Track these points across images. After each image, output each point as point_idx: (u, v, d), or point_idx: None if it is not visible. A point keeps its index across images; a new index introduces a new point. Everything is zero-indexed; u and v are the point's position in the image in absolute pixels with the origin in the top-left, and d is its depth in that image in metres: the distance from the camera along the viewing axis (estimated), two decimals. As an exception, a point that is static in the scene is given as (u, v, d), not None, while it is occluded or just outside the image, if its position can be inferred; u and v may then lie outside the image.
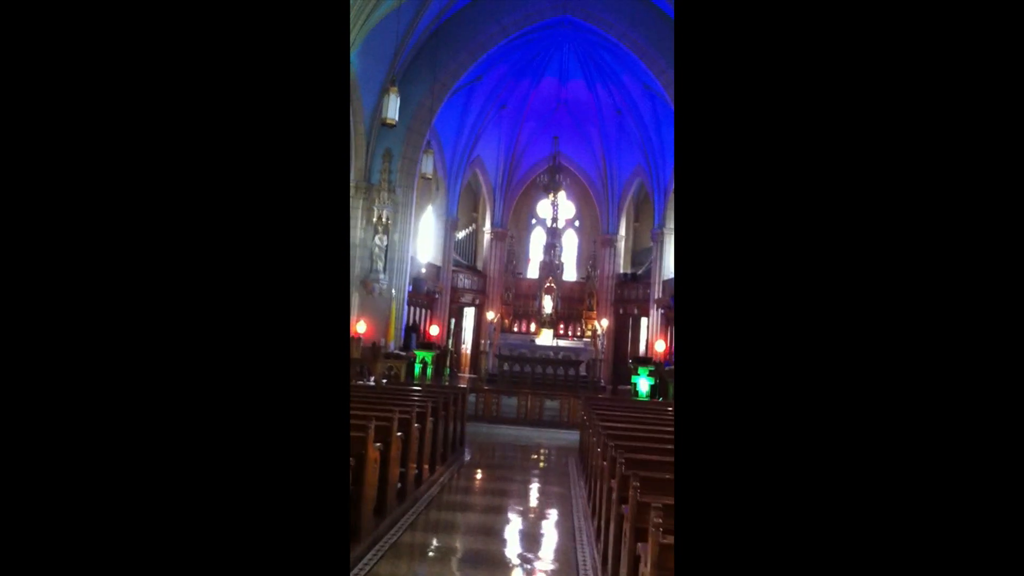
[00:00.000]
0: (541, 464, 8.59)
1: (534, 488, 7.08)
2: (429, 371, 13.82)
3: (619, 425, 5.66)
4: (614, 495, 3.75)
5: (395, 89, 11.03)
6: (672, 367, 14.69)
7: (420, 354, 13.78)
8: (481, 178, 19.98)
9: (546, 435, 10.50)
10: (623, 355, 19.61)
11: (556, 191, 18.14)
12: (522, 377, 14.77)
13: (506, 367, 15.30)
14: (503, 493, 6.69)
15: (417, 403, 6.55)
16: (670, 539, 2.49)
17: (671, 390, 12.09)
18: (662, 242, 18.42)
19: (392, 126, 11.90)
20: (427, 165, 14.31)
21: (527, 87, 17.85)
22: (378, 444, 4.81)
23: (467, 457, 8.40)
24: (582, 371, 15.47)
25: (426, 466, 6.47)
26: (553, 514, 5.83)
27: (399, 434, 5.37)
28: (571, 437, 10.06)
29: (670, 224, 18.36)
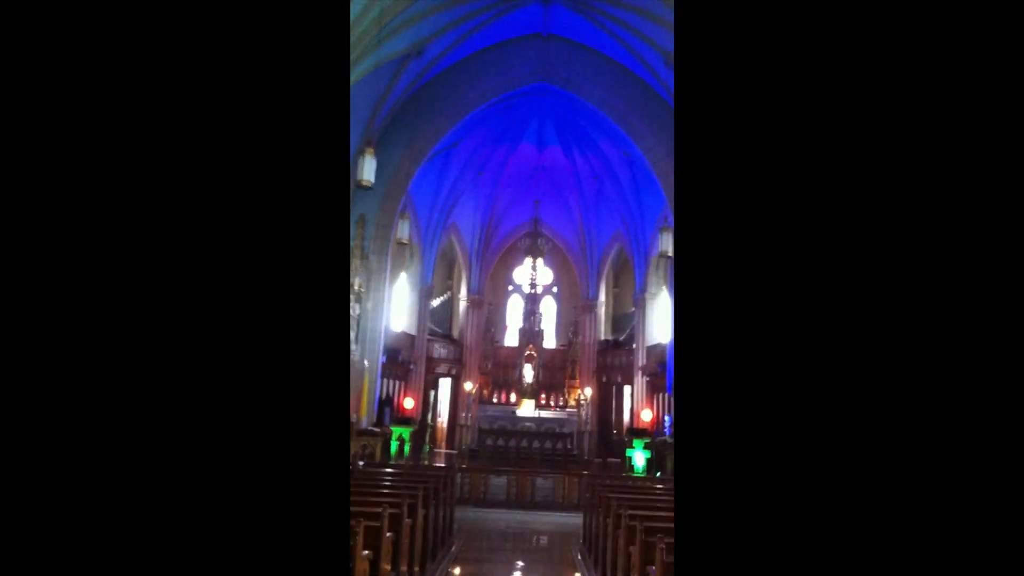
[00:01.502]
0: (541, 556, 7.65)
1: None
2: (407, 448, 12.80)
3: (641, 512, 4.87)
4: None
5: (371, 151, 10.54)
6: (663, 438, 13.93)
7: (396, 430, 12.78)
8: (457, 244, 19.49)
9: (541, 519, 9.54)
10: (608, 425, 18.78)
11: (538, 255, 17.68)
12: (505, 452, 13.80)
13: (488, 441, 14.32)
14: (505, 596, 5.75)
15: (406, 491, 5.67)
16: None
17: (670, 464, 11.30)
18: (644, 307, 18.00)
19: (368, 187, 11.35)
20: (403, 230, 13.73)
21: (505, 153, 17.66)
22: (367, 552, 3.95)
23: (455, 548, 7.43)
24: (569, 444, 14.58)
25: (417, 568, 5.55)
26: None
27: (389, 534, 4.51)
28: (569, 520, 9.14)
29: (652, 289, 17.99)
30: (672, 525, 3.88)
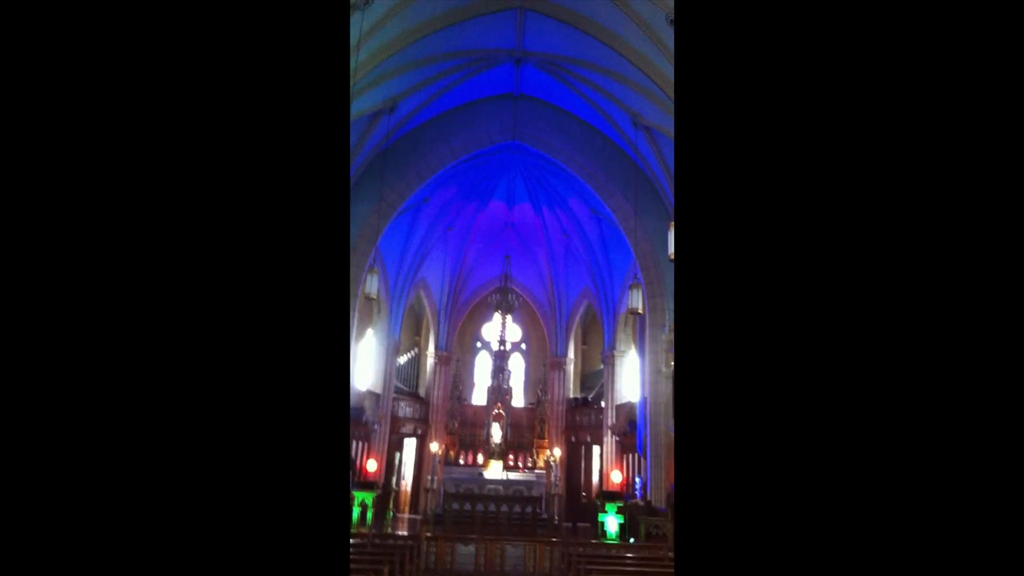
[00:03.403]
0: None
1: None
2: (369, 515, 12.15)
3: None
4: None
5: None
6: (635, 501, 13.53)
7: (359, 495, 12.15)
8: (425, 300, 19.22)
9: (512, 592, 9.01)
10: (577, 487, 18.29)
11: (508, 311, 17.49)
12: (471, 517, 13.21)
13: (454, 506, 13.72)
14: None
15: (369, 566, 5.23)
16: None
17: (643, 528, 10.91)
18: (613, 365, 17.84)
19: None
20: (371, 285, 13.43)
21: (474, 209, 17.68)
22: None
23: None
24: (538, 508, 14.05)
25: (380, 653, 5.06)
26: None
27: (353, 618, 4.09)
28: (541, 593, 8.64)
29: (621, 346, 17.90)
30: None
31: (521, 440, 18.09)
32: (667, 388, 13.64)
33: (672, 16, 9.55)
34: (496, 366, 17.90)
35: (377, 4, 9.75)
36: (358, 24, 9.65)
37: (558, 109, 14.45)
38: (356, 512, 11.77)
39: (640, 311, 13.82)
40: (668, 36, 9.94)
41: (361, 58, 10.61)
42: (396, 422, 17.67)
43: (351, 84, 10.60)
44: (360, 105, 11.76)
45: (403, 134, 13.99)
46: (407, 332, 19.15)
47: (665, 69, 10.48)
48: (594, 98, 13.33)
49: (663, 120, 11.93)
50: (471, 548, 10.00)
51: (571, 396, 19.66)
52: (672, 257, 10.29)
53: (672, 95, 10.50)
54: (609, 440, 17.32)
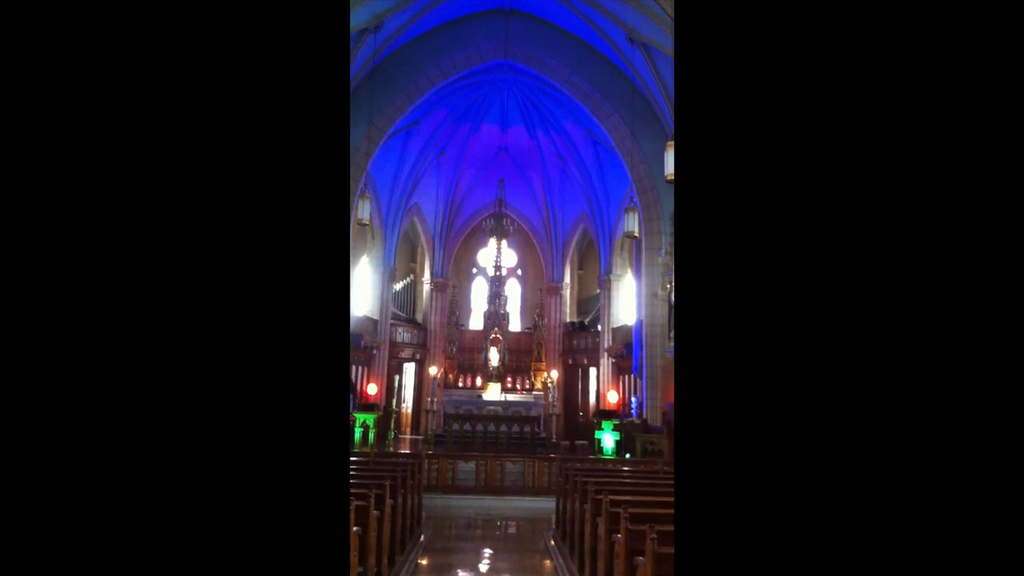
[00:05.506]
0: (513, 544, 7.48)
1: None
2: (371, 435, 12.49)
3: (624, 498, 4.70)
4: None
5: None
6: (631, 419, 13.91)
7: (361, 417, 12.45)
8: (419, 226, 19.09)
9: (511, 505, 9.38)
10: (574, 407, 18.75)
11: (503, 236, 17.41)
12: (472, 437, 13.59)
13: (455, 426, 14.09)
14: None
15: (372, 481, 5.40)
16: None
17: (639, 445, 11.25)
18: (609, 289, 17.94)
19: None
20: (363, 211, 13.27)
21: (467, 133, 17.27)
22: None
23: (424, 538, 7.20)
24: (536, 427, 14.45)
25: (385, 561, 5.30)
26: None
27: (356, 528, 4.24)
28: (539, 506, 9.01)
29: (617, 270, 17.94)
30: (660, 512, 3.71)
31: (519, 363, 18.40)
32: (663, 310, 13.75)
33: (671, -81, 9.02)
34: (492, 291, 17.98)
35: (358, -90, 9.17)
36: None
37: (550, 25, 13.87)
38: (358, 433, 12.08)
39: (636, 235, 13.76)
40: (666, -59, 9.42)
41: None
42: (395, 347, 17.90)
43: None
44: (345, 23, 11.27)
45: (390, 53, 13.48)
46: (402, 259, 19.12)
47: (663, -22, 9.99)
48: (588, 13, 12.78)
49: (659, 35, 11.48)
50: (471, 465, 10.35)
51: (568, 321, 19.86)
52: (669, 178, 10.13)
53: (667, 10, 10.06)
54: (605, 362, 17.63)
